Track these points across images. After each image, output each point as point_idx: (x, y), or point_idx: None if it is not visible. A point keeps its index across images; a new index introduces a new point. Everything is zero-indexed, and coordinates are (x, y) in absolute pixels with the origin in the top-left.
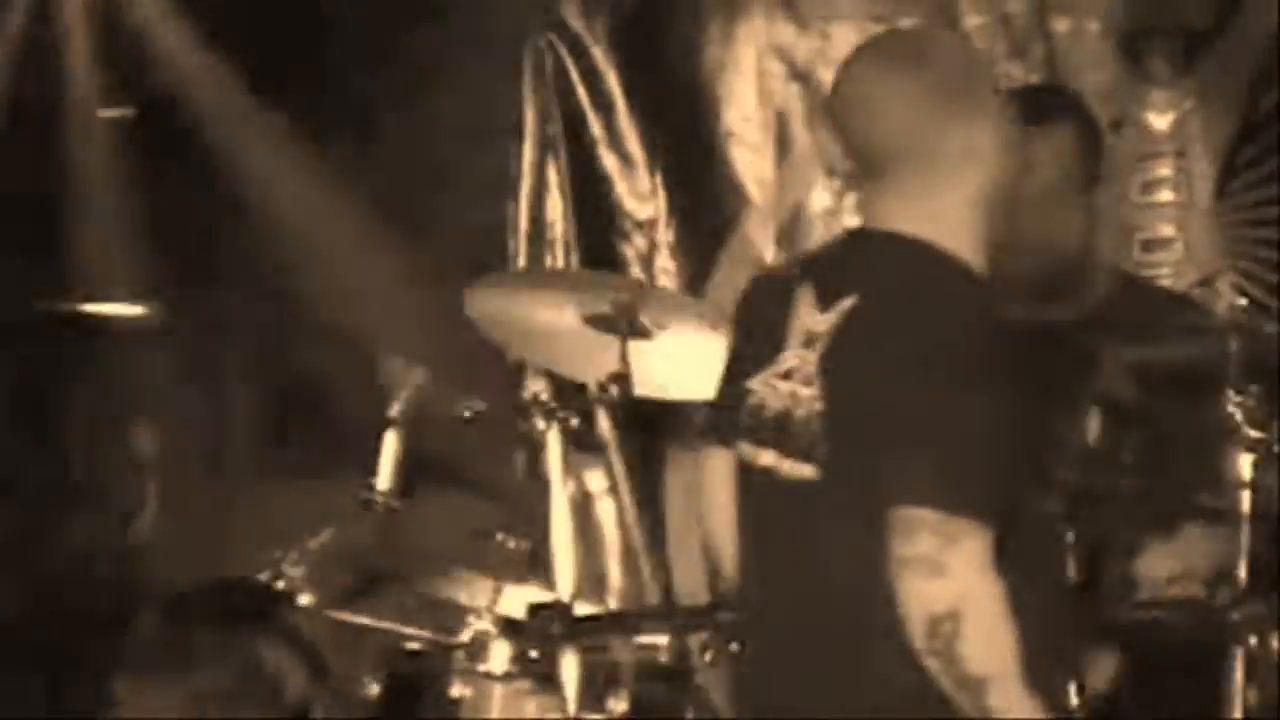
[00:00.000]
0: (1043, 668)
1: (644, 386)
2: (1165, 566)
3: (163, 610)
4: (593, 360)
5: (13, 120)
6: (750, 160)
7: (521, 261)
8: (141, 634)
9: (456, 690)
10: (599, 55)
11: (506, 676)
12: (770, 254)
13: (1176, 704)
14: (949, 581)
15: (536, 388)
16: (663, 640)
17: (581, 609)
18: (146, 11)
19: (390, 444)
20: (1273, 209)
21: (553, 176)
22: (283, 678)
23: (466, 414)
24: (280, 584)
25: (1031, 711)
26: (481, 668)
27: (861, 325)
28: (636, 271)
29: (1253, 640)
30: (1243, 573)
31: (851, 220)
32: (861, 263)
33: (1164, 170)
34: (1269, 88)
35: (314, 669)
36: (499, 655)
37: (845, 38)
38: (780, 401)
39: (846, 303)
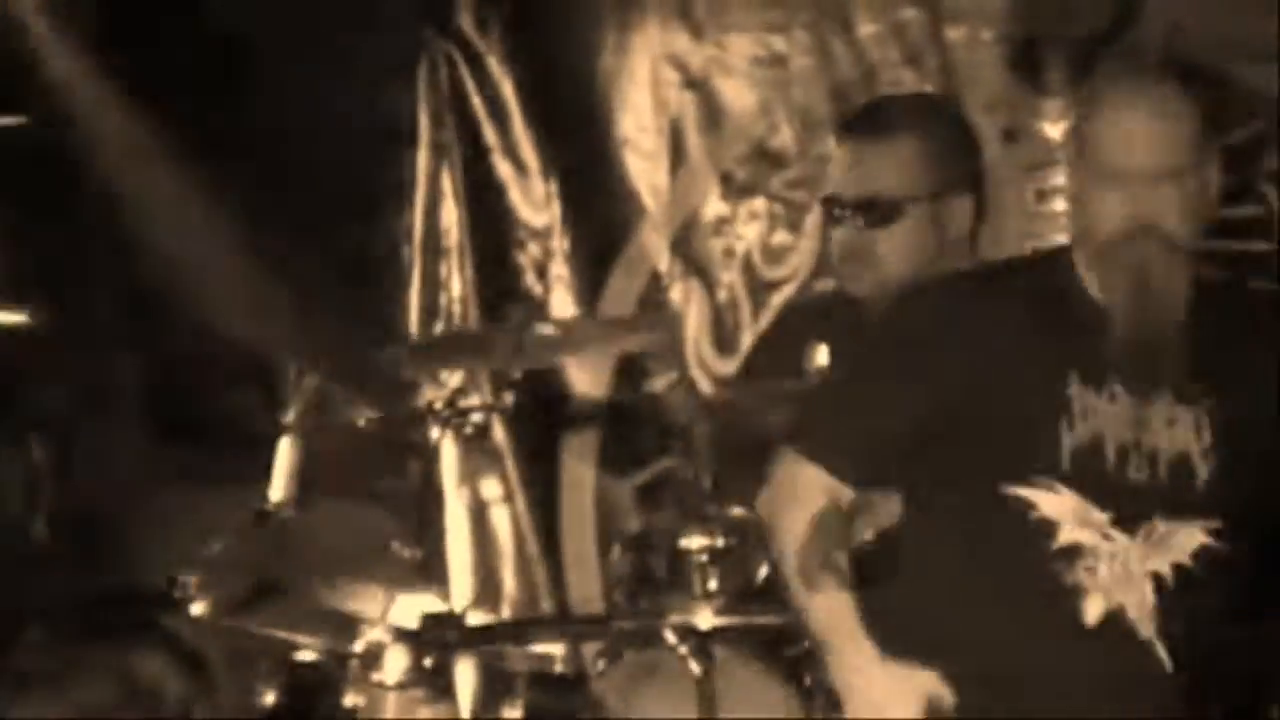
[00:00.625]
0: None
1: None
2: None
3: (42, 625)
4: None
5: None
6: (645, 168)
7: (417, 269)
8: (22, 650)
9: (351, 699)
10: (494, 63)
11: (401, 685)
12: (664, 262)
13: None
14: (768, 494)
15: (431, 396)
16: (557, 649)
17: (476, 618)
18: (29, 20)
19: (285, 452)
20: None
21: (447, 184)
22: (161, 688)
23: (361, 422)
24: (174, 592)
25: (807, 606)
26: (376, 677)
27: None
28: (531, 279)
29: None
30: None
31: (745, 229)
32: None
33: (1057, 179)
34: None
35: (195, 678)
36: (393, 664)
37: (740, 46)
38: None
39: None
